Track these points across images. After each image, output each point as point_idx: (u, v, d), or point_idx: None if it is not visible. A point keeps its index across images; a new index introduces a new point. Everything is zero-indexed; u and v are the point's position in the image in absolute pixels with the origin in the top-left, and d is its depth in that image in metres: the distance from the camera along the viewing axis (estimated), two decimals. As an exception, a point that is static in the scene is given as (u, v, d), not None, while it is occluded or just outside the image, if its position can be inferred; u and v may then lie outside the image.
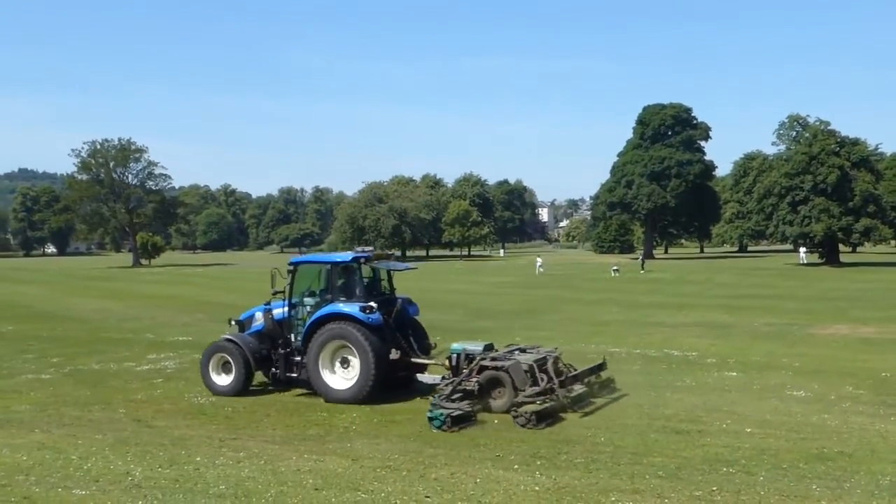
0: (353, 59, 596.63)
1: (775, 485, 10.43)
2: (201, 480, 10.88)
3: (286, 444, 12.92)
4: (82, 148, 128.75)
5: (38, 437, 13.75)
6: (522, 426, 13.75)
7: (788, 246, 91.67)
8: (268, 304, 18.29)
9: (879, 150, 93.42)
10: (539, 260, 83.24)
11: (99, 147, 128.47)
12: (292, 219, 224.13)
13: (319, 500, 9.97)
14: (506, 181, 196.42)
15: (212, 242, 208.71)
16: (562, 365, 16.45)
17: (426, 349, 17.40)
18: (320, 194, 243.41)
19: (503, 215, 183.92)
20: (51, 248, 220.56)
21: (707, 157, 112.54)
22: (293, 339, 17.47)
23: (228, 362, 17.73)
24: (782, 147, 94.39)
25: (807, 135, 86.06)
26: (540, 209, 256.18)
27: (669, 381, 18.19)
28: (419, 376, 17.18)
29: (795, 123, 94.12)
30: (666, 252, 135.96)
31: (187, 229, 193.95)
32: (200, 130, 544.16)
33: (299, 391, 17.57)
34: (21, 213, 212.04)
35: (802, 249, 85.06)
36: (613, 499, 9.91)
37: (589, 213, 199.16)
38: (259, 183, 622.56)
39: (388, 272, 18.04)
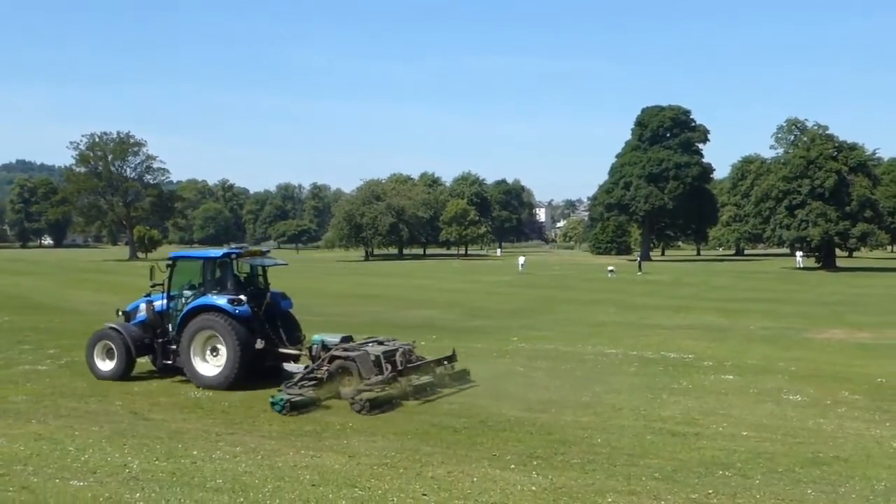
0: (352, 58, 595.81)
1: (771, 488, 10.46)
2: (198, 474, 10.90)
3: (283, 439, 12.94)
4: (81, 140, 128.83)
5: (35, 427, 13.76)
6: (358, 412, 14.69)
7: (785, 250, 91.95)
8: (148, 295, 19.46)
9: (877, 154, 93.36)
10: (522, 259, 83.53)
11: (97, 140, 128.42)
12: (290, 215, 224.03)
13: (317, 496, 9.99)
14: (504, 181, 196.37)
15: (209, 237, 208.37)
16: (414, 357, 17.18)
17: (297, 340, 18.20)
18: (318, 191, 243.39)
19: (501, 215, 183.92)
20: (48, 240, 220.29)
21: (705, 160, 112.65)
22: (170, 329, 18.46)
23: (112, 349, 18.71)
24: (780, 151, 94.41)
25: (805, 139, 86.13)
26: (537, 209, 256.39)
27: (666, 384, 18.23)
28: (286, 365, 17.86)
29: (794, 127, 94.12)
30: (663, 254, 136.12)
31: (184, 224, 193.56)
32: (199, 126, 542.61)
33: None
34: (18, 204, 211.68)
35: (799, 253, 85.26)
36: (610, 500, 9.95)
37: (586, 213, 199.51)
38: (257, 179, 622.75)
39: (263, 268, 19.13)
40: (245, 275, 18.86)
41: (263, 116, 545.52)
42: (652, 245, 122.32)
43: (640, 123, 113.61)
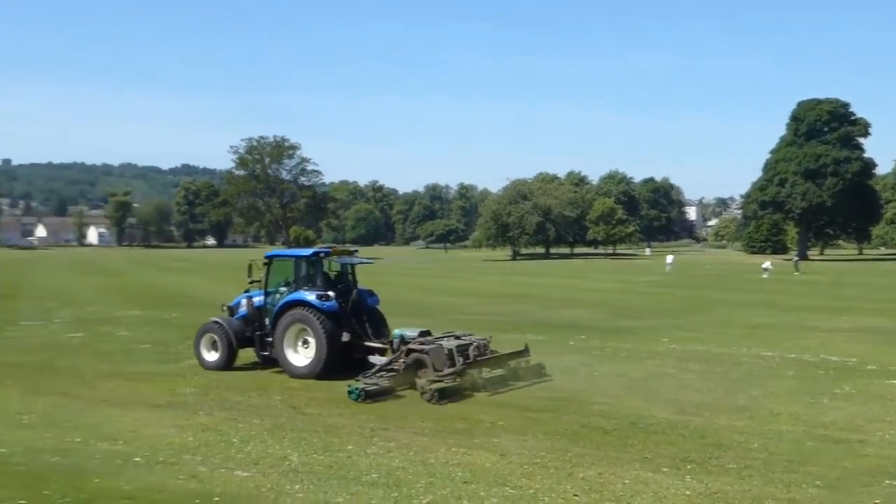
0: (497, 57, 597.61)
1: (944, 501, 9.91)
2: (354, 468, 11.24)
3: (434, 436, 13.16)
4: (240, 145, 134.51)
5: (202, 419, 14.49)
6: (428, 401, 15.61)
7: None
8: (247, 291, 20.99)
9: None
10: (670, 258, 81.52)
11: (255, 144, 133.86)
12: (437, 215, 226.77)
13: (468, 493, 10.13)
14: (652, 179, 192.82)
15: (360, 237, 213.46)
16: (487, 351, 17.77)
17: (382, 335, 19.19)
18: (465, 191, 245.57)
19: (649, 213, 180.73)
20: (210, 240, 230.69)
21: (867, 155, 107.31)
22: (267, 322, 19.82)
23: (216, 341, 20.13)
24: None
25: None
26: (687, 207, 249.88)
27: (827, 388, 17.50)
28: (371, 358, 18.49)
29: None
30: (821, 253, 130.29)
31: (337, 224, 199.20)
32: (349, 128, 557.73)
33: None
34: (184, 206, 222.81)
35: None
36: (768, 507, 9.66)
37: (739, 211, 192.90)
38: (405, 179, 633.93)
39: (352, 267, 20.42)
40: (336, 273, 20.24)
41: (411, 117, 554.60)
42: (810, 244, 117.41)
43: (796, 118, 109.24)
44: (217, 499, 10.01)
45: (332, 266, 20.24)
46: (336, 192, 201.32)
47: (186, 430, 13.59)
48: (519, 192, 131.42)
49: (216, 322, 20.28)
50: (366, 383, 16.45)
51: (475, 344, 17.64)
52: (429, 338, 18.02)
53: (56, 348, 24.38)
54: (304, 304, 18.69)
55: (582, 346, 23.75)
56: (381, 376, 16.95)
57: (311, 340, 18.53)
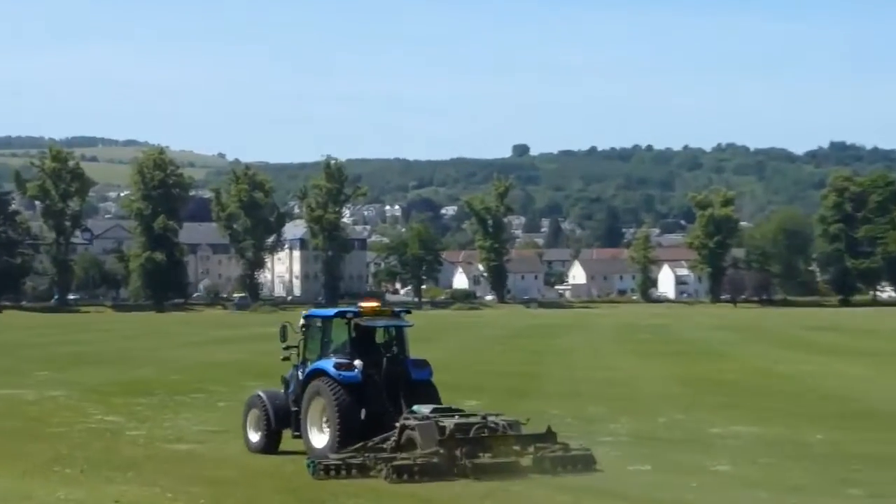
0: None
1: None
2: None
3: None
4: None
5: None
6: (384, 479, 14.29)
7: None
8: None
9: None
10: None
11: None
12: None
13: None
14: None
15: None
16: (506, 432, 15.60)
17: None
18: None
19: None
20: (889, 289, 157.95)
21: None
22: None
23: (259, 418, 17.88)
24: None
25: None
26: None
27: None
28: None
29: None
30: None
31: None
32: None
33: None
34: (833, 219, 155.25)
35: None
36: None
37: None
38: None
39: (398, 330, 17.91)
40: (387, 338, 17.83)
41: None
42: None
43: None
44: None
45: (380, 331, 17.78)
46: None
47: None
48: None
49: (259, 396, 18.12)
50: (336, 458, 15.12)
51: (486, 425, 15.61)
52: (425, 412, 16.35)
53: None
54: (323, 373, 16.82)
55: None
56: (362, 453, 15.36)
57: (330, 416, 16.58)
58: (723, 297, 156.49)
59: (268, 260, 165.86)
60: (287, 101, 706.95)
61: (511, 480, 14.19)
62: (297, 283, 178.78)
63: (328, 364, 16.84)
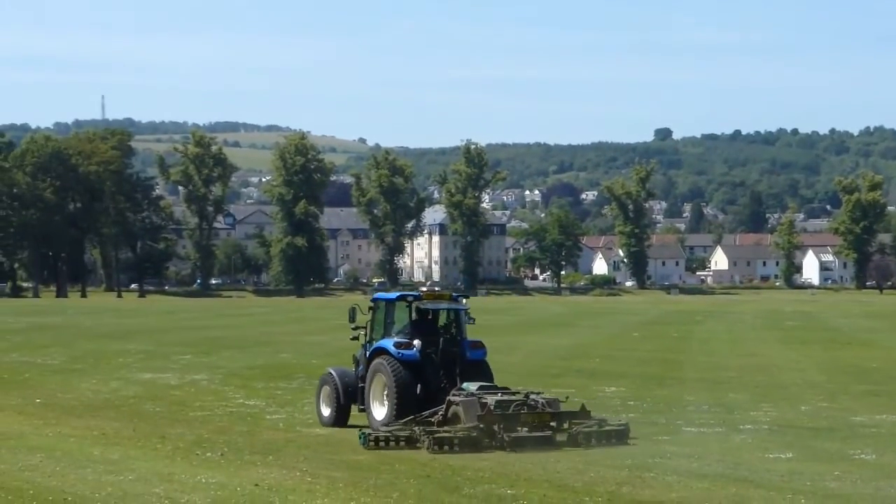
0: None
1: None
2: None
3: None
4: None
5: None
6: (426, 449, 15.38)
7: None
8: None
9: None
10: None
11: None
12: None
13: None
14: None
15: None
16: (544, 409, 16.62)
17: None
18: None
19: None
20: None
21: None
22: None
23: (330, 394, 18.90)
24: None
25: None
26: None
27: None
28: None
29: None
30: None
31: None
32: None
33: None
34: None
35: None
36: None
37: None
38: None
39: (455, 313, 18.95)
40: (447, 321, 18.99)
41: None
42: None
43: None
44: None
45: (442, 313, 19.01)
46: None
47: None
48: None
49: (330, 373, 19.19)
50: (385, 430, 16.37)
51: (526, 402, 16.60)
52: (472, 390, 17.28)
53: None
54: (384, 351, 18.07)
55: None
56: (411, 426, 16.48)
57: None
58: (868, 283, 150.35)
59: (407, 245, 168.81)
60: (428, 87, 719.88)
61: (644, 468, 13.94)
62: (436, 269, 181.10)
63: (389, 343, 18.06)
